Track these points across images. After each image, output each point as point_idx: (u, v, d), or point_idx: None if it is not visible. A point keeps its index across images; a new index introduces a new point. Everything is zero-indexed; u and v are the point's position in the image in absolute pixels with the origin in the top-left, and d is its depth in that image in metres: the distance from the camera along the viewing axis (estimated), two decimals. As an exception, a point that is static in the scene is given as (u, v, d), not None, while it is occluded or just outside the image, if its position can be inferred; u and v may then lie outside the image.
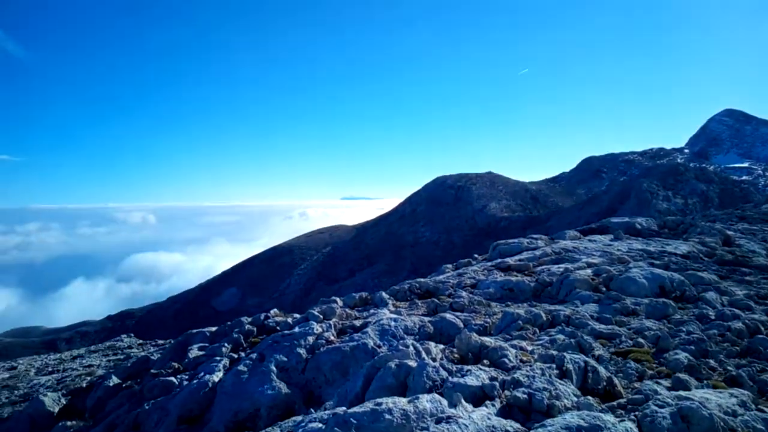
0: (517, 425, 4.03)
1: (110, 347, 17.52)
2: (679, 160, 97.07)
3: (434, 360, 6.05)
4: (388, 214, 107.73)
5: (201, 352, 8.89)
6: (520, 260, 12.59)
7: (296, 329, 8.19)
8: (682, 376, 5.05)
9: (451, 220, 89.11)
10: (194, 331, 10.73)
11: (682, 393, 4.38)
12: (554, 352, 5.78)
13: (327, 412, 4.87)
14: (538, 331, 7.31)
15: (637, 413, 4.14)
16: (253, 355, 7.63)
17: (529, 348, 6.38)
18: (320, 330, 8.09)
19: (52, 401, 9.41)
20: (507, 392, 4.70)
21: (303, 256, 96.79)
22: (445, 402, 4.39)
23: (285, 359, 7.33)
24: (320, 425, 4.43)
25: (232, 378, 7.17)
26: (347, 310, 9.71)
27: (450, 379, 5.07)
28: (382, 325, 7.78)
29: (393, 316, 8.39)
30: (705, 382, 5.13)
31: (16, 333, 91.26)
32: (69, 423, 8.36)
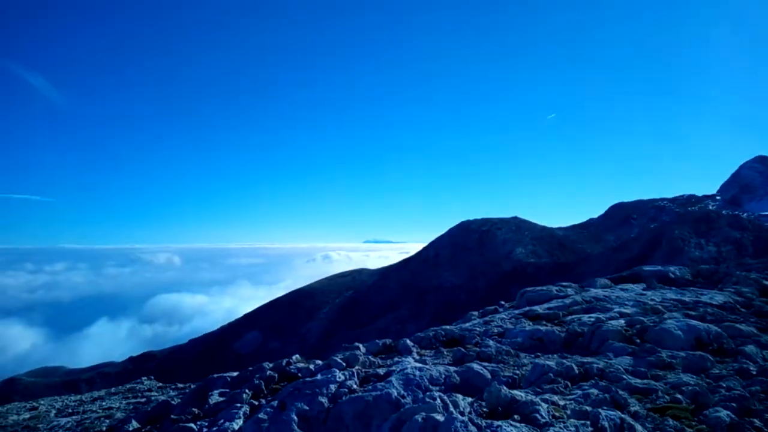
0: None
1: (130, 390, 17.40)
2: (710, 207, 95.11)
3: (462, 414, 5.78)
4: (411, 258, 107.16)
5: (221, 398, 8.72)
6: (549, 309, 12.24)
7: (318, 377, 8.00)
8: (727, 437, 4.73)
9: (475, 265, 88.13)
10: (215, 376, 10.58)
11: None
12: (588, 408, 5.48)
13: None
14: (570, 384, 6.98)
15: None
16: (274, 403, 7.44)
17: (562, 403, 6.07)
18: (343, 378, 7.88)
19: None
20: (540, 451, 4.45)
21: (325, 299, 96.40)
22: (474, 460, 4.16)
23: (306, 408, 7.12)
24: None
25: (252, 426, 6.97)
26: (370, 357, 9.48)
27: (479, 435, 4.83)
28: (407, 375, 7.54)
29: (418, 365, 8.14)
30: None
31: (39, 373, 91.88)
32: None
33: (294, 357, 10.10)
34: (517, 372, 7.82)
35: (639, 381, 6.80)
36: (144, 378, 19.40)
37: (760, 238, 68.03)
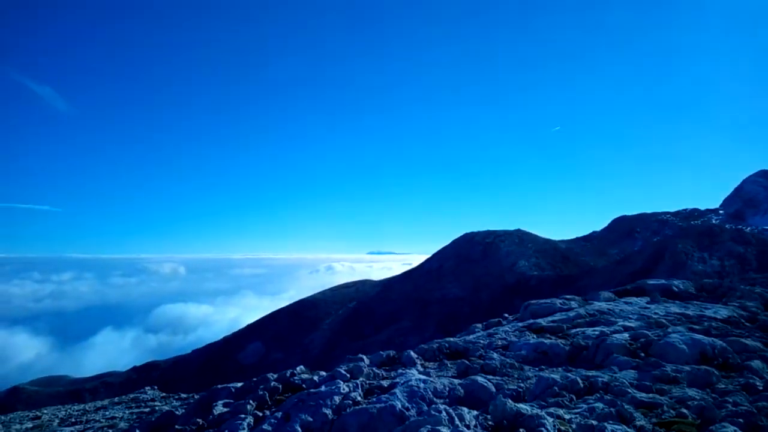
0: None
1: (134, 399, 17.38)
2: (714, 221, 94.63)
3: (468, 427, 5.78)
4: (415, 269, 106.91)
5: (225, 409, 8.72)
6: (553, 321, 12.20)
7: (323, 388, 8.00)
8: (734, 453, 4.70)
9: (479, 277, 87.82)
10: (219, 386, 10.57)
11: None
12: (594, 422, 5.47)
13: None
14: (575, 398, 6.96)
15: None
16: (278, 414, 7.44)
17: (567, 416, 6.06)
18: (347, 389, 7.88)
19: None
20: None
21: (328, 310, 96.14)
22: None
23: (310, 419, 7.12)
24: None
25: (256, 437, 6.98)
26: (374, 369, 9.47)
27: (484, 448, 4.83)
28: (411, 387, 7.54)
29: (422, 377, 8.13)
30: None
31: (43, 382, 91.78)
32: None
33: (298, 368, 10.10)
34: (522, 385, 7.80)
35: (644, 395, 6.77)
36: (147, 388, 19.37)
37: (763, 253, 67.57)
